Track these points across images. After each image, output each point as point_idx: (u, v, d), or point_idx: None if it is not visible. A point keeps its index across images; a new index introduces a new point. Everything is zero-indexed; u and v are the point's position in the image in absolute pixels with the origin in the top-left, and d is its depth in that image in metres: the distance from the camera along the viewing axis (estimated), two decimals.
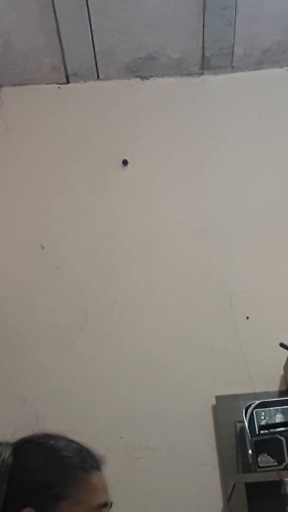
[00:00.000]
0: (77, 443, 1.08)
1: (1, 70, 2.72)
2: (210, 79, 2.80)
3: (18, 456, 1.01)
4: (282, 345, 2.19)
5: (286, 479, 1.81)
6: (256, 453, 1.98)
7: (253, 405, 2.20)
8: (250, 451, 2.08)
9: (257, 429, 2.13)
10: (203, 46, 2.68)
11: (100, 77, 2.79)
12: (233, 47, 2.69)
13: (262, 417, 2.18)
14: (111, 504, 1.06)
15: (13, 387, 2.36)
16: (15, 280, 2.53)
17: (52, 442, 1.05)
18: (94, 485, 1.02)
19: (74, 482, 1.00)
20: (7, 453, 1.00)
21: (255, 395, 2.26)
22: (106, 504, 1.04)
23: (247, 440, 2.13)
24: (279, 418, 2.18)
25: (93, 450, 1.08)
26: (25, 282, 2.52)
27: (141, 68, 2.77)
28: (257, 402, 2.21)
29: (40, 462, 1.01)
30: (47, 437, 1.07)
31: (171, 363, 2.38)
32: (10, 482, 0.97)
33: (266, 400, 2.22)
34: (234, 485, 1.98)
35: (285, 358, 2.24)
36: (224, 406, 2.28)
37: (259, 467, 1.96)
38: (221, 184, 2.65)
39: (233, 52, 2.71)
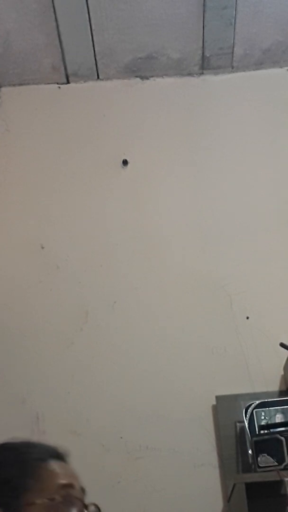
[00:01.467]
0: (38, 442, 1.10)
1: (1, 70, 2.72)
2: (210, 79, 2.80)
3: None
4: (282, 345, 2.19)
5: (286, 479, 1.81)
6: (256, 453, 1.98)
7: (253, 405, 2.20)
8: (250, 451, 2.08)
9: (257, 429, 2.13)
10: (203, 46, 2.68)
11: (100, 77, 2.79)
12: (233, 47, 2.69)
13: (262, 417, 2.18)
14: (83, 489, 1.06)
15: (13, 387, 2.36)
16: (15, 280, 2.53)
17: (10, 444, 1.08)
18: (54, 470, 1.03)
19: (32, 472, 1.01)
20: None
21: (255, 395, 2.26)
22: (72, 485, 1.03)
23: (247, 440, 2.13)
24: (279, 418, 2.18)
25: (55, 445, 1.10)
26: (25, 282, 2.52)
27: (141, 68, 2.77)
28: (257, 402, 2.21)
29: (1, 462, 1.03)
30: (8, 441, 1.09)
31: (171, 363, 2.38)
32: None
33: (266, 400, 2.22)
34: (234, 485, 1.98)
35: (285, 358, 2.24)
36: (224, 406, 2.28)
37: (259, 467, 1.96)
38: (221, 184, 2.65)
39: (233, 52, 2.71)
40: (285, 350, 2.18)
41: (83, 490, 1.06)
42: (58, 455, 1.08)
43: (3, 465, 1.02)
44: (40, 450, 1.07)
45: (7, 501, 0.97)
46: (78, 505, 1.01)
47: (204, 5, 2.51)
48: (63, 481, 1.02)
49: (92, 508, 1.04)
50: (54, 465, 1.04)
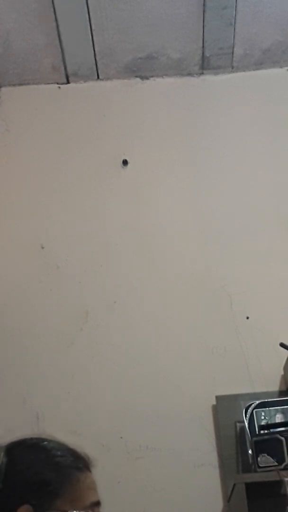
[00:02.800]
0: (68, 445, 1.10)
1: (1, 70, 2.72)
2: (210, 79, 2.80)
3: (11, 457, 1.02)
4: (282, 345, 2.19)
5: (286, 479, 1.81)
6: (256, 453, 1.98)
7: (253, 405, 2.20)
8: (250, 451, 2.08)
9: (257, 429, 2.13)
10: (203, 46, 2.68)
11: (100, 77, 2.79)
12: (233, 47, 2.69)
13: (262, 417, 2.18)
14: (100, 504, 1.07)
15: (13, 387, 2.36)
16: (15, 280, 2.53)
17: (45, 442, 1.08)
18: (88, 484, 1.05)
19: (69, 480, 1.02)
20: (0, 455, 1.02)
21: (255, 395, 2.26)
22: (98, 503, 1.05)
23: (247, 440, 2.13)
24: (279, 418, 2.18)
25: (84, 451, 1.10)
26: (25, 282, 2.52)
27: (141, 68, 2.77)
28: (257, 402, 2.21)
29: (35, 461, 1.03)
30: (38, 438, 1.09)
31: (171, 363, 2.38)
32: (6, 482, 0.99)
33: (266, 400, 2.22)
34: (234, 485, 1.98)
35: (285, 358, 2.24)
36: (224, 406, 2.28)
37: (259, 467, 1.96)
38: (221, 184, 2.65)
39: (233, 52, 2.71)
40: (285, 350, 2.18)
41: (100, 504, 1.07)
42: (89, 466, 1.09)
43: (38, 466, 1.02)
44: (74, 456, 1.07)
45: (40, 503, 0.98)
46: None
47: (204, 5, 2.51)
48: (94, 499, 1.04)
49: None
50: (88, 478, 1.06)
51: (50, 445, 1.07)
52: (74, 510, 0.99)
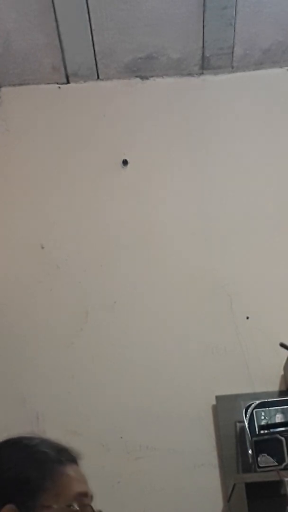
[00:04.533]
0: (54, 441, 1.10)
1: (1, 70, 2.72)
2: (210, 79, 2.80)
3: None
4: (282, 345, 2.19)
5: (286, 479, 1.81)
6: (256, 453, 1.98)
7: (253, 405, 2.20)
8: (250, 451, 2.08)
9: (257, 429, 2.13)
10: (203, 46, 2.68)
11: (100, 77, 2.79)
12: (233, 47, 2.69)
13: (262, 417, 2.18)
14: (92, 496, 1.07)
15: (13, 387, 2.36)
16: (15, 280, 2.53)
17: (27, 441, 1.08)
18: (71, 476, 1.04)
19: (50, 474, 1.02)
20: None
21: (255, 395, 2.26)
22: (86, 494, 1.04)
23: (247, 440, 2.13)
24: (279, 418, 2.18)
25: (69, 446, 1.10)
26: (25, 282, 2.52)
27: (141, 68, 2.77)
28: (257, 402, 2.21)
29: (16, 460, 1.03)
30: (22, 437, 1.09)
31: (171, 363, 2.38)
32: None
33: (266, 400, 2.22)
34: (234, 485, 1.98)
35: (285, 358, 2.24)
36: (224, 406, 2.28)
37: (259, 467, 1.96)
38: (221, 184, 2.65)
39: (233, 52, 2.71)
40: (285, 350, 2.18)
41: (91, 497, 1.07)
42: (74, 458, 1.08)
43: (20, 464, 1.02)
44: (56, 450, 1.07)
45: (23, 500, 0.98)
46: None
47: (204, 5, 2.51)
48: (80, 489, 1.03)
49: None
50: (71, 469, 1.05)
51: (32, 442, 1.07)
52: (59, 504, 0.99)
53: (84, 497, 1.04)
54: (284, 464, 1.91)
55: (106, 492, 2.13)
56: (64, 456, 1.06)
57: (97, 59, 2.71)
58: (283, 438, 1.95)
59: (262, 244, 2.54)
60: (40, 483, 1.00)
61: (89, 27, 2.56)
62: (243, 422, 2.17)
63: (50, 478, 1.01)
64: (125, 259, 2.55)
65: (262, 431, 2.08)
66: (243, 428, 2.18)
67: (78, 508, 1.00)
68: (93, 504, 1.05)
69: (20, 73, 2.75)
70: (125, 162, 2.68)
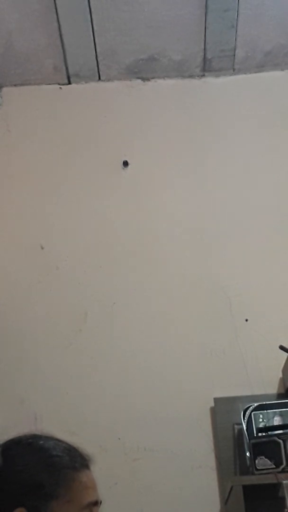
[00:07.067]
0: (66, 443, 1.09)
1: (2, 70, 2.72)
2: (212, 81, 2.80)
3: (7, 457, 1.02)
4: (281, 347, 2.19)
5: (284, 481, 1.81)
6: (254, 455, 1.98)
7: (251, 407, 2.20)
8: (248, 454, 2.07)
9: (255, 432, 2.12)
10: (204, 48, 2.68)
11: (101, 78, 2.80)
12: (235, 50, 2.69)
13: (260, 420, 2.18)
14: (101, 502, 1.06)
15: (12, 388, 2.36)
16: (15, 280, 2.53)
17: (41, 442, 1.06)
18: (84, 483, 1.03)
19: (64, 481, 1.01)
20: None
21: (253, 398, 2.26)
22: (97, 503, 1.04)
23: (245, 442, 2.13)
24: (277, 421, 2.18)
25: (82, 449, 1.09)
26: (25, 282, 2.52)
27: (143, 70, 2.77)
28: (256, 404, 2.21)
29: (30, 462, 1.02)
30: (35, 437, 1.08)
31: (169, 365, 2.38)
32: (1, 484, 0.98)
33: (264, 403, 2.22)
34: (232, 487, 1.98)
35: (283, 361, 2.24)
36: (222, 408, 2.28)
37: (257, 469, 1.96)
38: (221, 186, 2.65)
39: (234, 55, 2.71)
40: (284, 353, 2.18)
41: (100, 503, 1.07)
42: (86, 463, 1.08)
43: (34, 467, 1.01)
44: (71, 455, 1.06)
45: (35, 505, 0.97)
46: None
47: (206, 7, 2.51)
48: (91, 498, 1.03)
49: None
50: (85, 476, 1.05)
51: (46, 444, 1.06)
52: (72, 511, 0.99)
53: (94, 507, 1.04)
54: (281, 466, 1.91)
55: (103, 493, 2.13)
56: (78, 461, 1.06)
57: (98, 60, 2.71)
58: (281, 441, 1.95)
59: (261, 247, 2.54)
60: (53, 489, 0.99)
61: (91, 28, 2.57)
62: (241, 424, 2.17)
63: (64, 484, 1.01)
64: (124, 260, 2.55)
65: (260, 434, 2.08)
66: (241, 430, 2.18)
67: None
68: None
69: (22, 74, 2.75)
70: (125, 163, 2.68)
